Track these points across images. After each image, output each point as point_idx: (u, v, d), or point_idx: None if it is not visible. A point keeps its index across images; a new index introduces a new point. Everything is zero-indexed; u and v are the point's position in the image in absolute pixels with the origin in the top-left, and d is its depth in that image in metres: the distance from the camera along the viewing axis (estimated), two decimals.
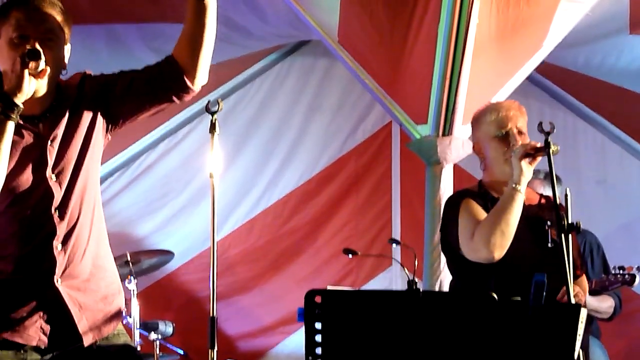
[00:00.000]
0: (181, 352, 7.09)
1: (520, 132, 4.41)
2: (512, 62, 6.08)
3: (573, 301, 3.88)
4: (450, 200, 4.62)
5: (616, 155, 7.81)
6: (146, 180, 7.82)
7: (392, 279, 8.25)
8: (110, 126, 3.50)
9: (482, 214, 4.37)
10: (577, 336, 3.17)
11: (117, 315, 3.56)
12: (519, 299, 3.23)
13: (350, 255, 7.08)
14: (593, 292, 5.35)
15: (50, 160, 3.32)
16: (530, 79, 6.97)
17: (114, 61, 6.81)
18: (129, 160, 7.76)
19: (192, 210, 7.79)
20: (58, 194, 3.32)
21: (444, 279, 5.85)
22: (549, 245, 4.07)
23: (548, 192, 5.26)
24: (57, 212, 3.33)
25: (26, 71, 3.16)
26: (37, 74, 3.20)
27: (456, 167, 6.15)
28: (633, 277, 5.41)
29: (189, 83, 3.47)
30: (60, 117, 3.37)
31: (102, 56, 6.66)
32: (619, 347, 7.01)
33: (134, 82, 3.47)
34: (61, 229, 3.33)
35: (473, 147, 4.63)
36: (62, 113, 3.38)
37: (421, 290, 4.30)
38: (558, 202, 4.00)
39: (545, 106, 7.83)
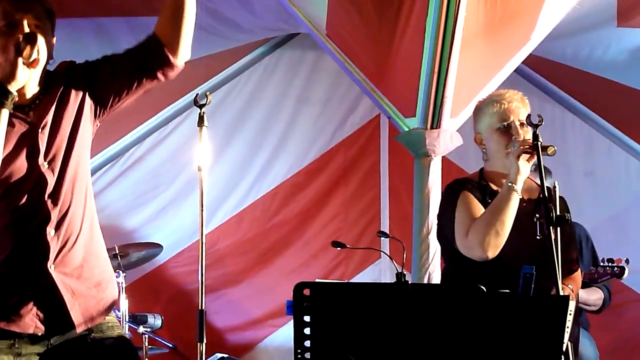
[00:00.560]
0: (170, 345, 7.09)
1: (522, 124, 4.40)
2: (500, 55, 6.08)
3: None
4: (448, 190, 4.60)
5: (604, 148, 7.83)
6: (135, 174, 7.81)
7: (380, 271, 8.26)
8: (98, 110, 3.52)
9: (479, 209, 4.35)
10: (566, 328, 3.19)
11: (110, 302, 3.58)
12: (507, 291, 3.24)
13: (339, 248, 7.09)
14: (582, 285, 5.37)
15: (42, 148, 3.34)
16: (518, 71, 6.97)
17: (103, 54, 6.80)
18: (118, 154, 7.75)
19: (181, 204, 7.79)
20: (51, 181, 3.35)
21: (433, 272, 5.85)
22: (537, 237, 4.08)
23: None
24: (50, 199, 3.34)
25: (20, 59, 3.18)
26: (30, 64, 3.22)
27: (444, 160, 6.16)
28: (622, 269, 5.43)
29: (171, 58, 3.51)
30: (49, 104, 3.39)
31: (91, 50, 6.64)
32: (607, 339, 7.03)
33: (118, 62, 3.54)
34: (54, 216, 3.35)
35: (475, 137, 4.61)
36: (51, 100, 3.40)
37: (410, 282, 4.30)
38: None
39: (533, 99, 7.75)
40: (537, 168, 4.03)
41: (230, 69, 7.90)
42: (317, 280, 6.85)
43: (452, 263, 4.55)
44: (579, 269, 4.57)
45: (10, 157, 3.30)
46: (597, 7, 6.50)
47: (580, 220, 5.91)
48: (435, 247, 5.88)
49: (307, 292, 3.21)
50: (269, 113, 8.06)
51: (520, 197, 4.27)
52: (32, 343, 3.38)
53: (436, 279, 5.81)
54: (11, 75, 3.19)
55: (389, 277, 8.09)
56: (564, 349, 3.27)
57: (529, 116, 4.15)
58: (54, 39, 3.47)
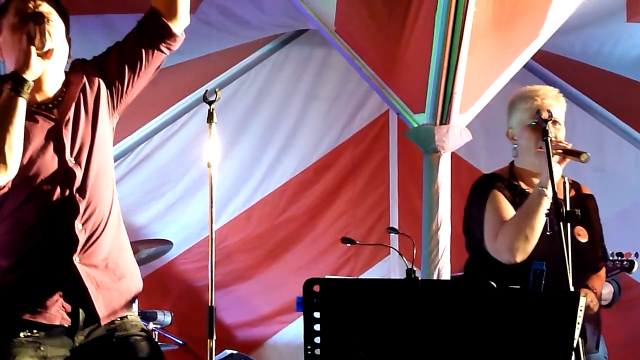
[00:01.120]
0: (180, 341, 7.10)
1: (555, 122, 4.34)
2: (509, 51, 6.07)
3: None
4: (478, 187, 4.55)
5: (614, 143, 7.81)
6: (144, 170, 7.81)
7: (390, 267, 8.26)
8: (114, 100, 3.61)
9: (508, 210, 4.31)
10: (577, 324, 3.18)
11: (134, 295, 3.63)
12: (517, 287, 3.24)
13: (348, 244, 7.09)
14: None
15: (67, 143, 3.41)
16: (527, 67, 6.96)
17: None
18: (126, 151, 7.75)
19: (190, 200, 7.79)
20: (79, 175, 3.42)
21: (442, 268, 5.84)
22: (547, 233, 4.07)
23: None
24: (77, 193, 3.41)
25: (33, 48, 3.23)
26: (44, 54, 3.27)
27: (454, 156, 6.14)
28: (631, 263, 5.42)
29: (171, 26, 3.61)
30: (70, 101, 3.46)
31: (99, 47, 6.61)
32: (617, 336, 7.01)
33: (123, 46, 3.66)
34: (82, 209, 3.41)
35: (506, 132, 4.55)
36: (72, 97, 3.47)
37: (419, 278, 4.30)
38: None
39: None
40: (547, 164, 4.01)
41: (239, 65, 7.89)
42: (326, 276, 6.85)
43: (479, 259, 4.50)
44: (603, 268, 4.55)
45: (38, 154, 3.36)
46: (606, 2, 6.49)
47: None
48: (444, 243, 5.87)
49: (317, 288, 3.21)
50: (277, 109, 8.05)
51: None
52: (57, 345, 3.39)
53: (446, 275, 5.80)
54: (25, 64, 3.25)
55: (398, 274, 8.09)
56: (575, 345, 3.26)
57: (537, 111, 4.13)
58: (70, 40, 3.53)
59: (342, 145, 8.23)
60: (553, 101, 4.40)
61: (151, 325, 6.62)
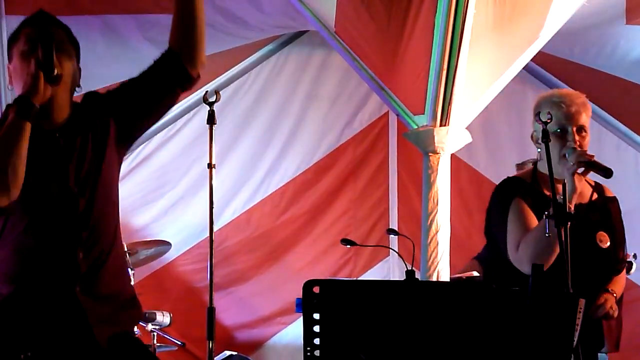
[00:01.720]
0: (179, 342, 7.10)
1: (580, 130, 4.29)
2: (509, 52, 6.08)
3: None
4: (501, 193, 4.46)
5: (613, 145, 7.81)
6: (143, 171, 7.80)
7: (389, 269, 8.26)
8: (124, 137, 3.57)
9: (531, 219, 4.24)
10: (576, 326, 3.18)
11: (136, 323, 3.61)
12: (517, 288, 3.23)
13: (348, 246, 7.09)
14: None
15: (71, 171, 3.37)
16: (526, 68, 6.97)
17: (110, 51, 6.82)
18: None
19: (190, 201, 7.79)
20: (82, 204, 3.37)
21: (442, 269, 5.85)
22: (547, 235, 4.04)
23: None
24: (80, 222, 3.36)
25: (41, 72, 3.21)
26: (52, 79, 3.25)
27: (453, 157, 6.15)
28: (630, 264, 5.41)
29: (189, 69, 3.57)
30: (78, 130, 3.43)
31: (98, 47, 6.65)
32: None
33: (137, 83, 3.57)
34: (84, 239, 3.37)
35: (531, 135, 4.49)
36: (79, 126, 3.44)
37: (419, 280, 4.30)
38: None
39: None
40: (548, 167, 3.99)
41: (239, 66, 7.90)
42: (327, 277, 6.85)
43: (499, 265, 4.42)
44: (624, 271, 4.53)
45: (41, 180, 3.33)
46: (605, 4, 6.49)
47: None
48: (444, 245, 5.88)
49: (316, 289, 3.21)
50: (277, 110, 8.06)
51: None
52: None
53: (445, 276, 5.80)
54: (33, 88, 3.23)
55: (397, 275, 8.09)
56: (573, 346, 3.26)
57: (538, 113, 4.12)
58: (79, 70, 3.51)
59: (342, 147, 8.23)
60: (580, 109, 4.32)
61: (150, 326, 6.62)
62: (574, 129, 4.25)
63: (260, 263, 8.10)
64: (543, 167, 4.33)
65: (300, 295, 3.23)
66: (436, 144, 5.93)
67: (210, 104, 4.94)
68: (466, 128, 6.07)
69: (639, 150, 7.73)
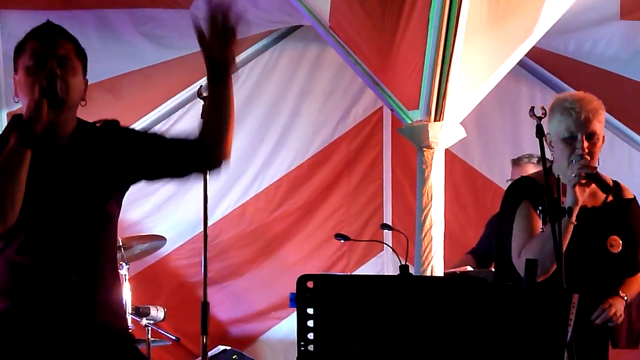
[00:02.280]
0: (173, 337, 7.10)
1: (591, 136, 4.27)
2: (503, 48, 6.08)
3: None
4: (511, 192, 4.43)
5: (607, 141, 7.77)
6: None
7: (383, 264, 8.26)
8: (121, 180, 3.55)
9: (536, 224, 4.22)
10: (569, 321, 3.19)
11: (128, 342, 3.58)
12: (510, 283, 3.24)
13: (342, 240, 7.09)
14: None
15: (70, 193, 3.32)
16: (521, 64, 6.97)
17: (104, 46, 6.81)
18: None
19: (184, 196, 7.78)
20: (77, 225, 3.32)
21: (436, 264, 5.85)
22: (541, 229, 4.04)
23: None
24: (74, 244, 3.32)
25: (44, 100, 3.18)
26: (56, 105, 3.23)
27: (447, 152, 6.15)
28: None
29: (209, 164, 3.67)
30: (81, 152, 3.39)
31: (92, 41, 6.64)
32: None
33: (153, 147, 3.57)
34: (79, 260, 3.32)
35: (545, 136, 4.45)
36: (83, 149, 3.40)
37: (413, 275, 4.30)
38: None
39: (536, 91, 7.84)
40: (541, 160, 3.98)
41: None
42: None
43: (506, 268, 4.41)
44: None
45: (39, 200, 3.28)
46: (600, 0, 6.50)
47: None
48: (438, 240, 5.89)
49: (310, 284, 3.21)
50: (271, 105, 8.05)
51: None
52: None
53: (439, 271, 5.81)
54: (36, 116, 3.19)
55: (391, 270, 8.09)
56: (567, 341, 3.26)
57: (532, 108, 4.11)
58: (86, 82, 3.47)
59: (336, 142, 8.23)
60: (590, 115, 4.30)
61: (144, 321, 6.62)
62: (583, 136, 4.23)
63: (254, 258, 8.10)
64: (554, 169, 4.32)
65: (294, 290, 3.23)
66: (430, 139, 5.94)
67: (204, 99, 4.92)
68: (460, 123, 6.08)
69: (633, 146, 7.73)
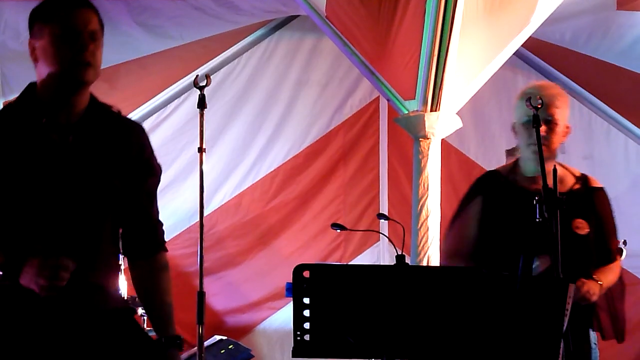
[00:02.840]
0: None
1: (549, 121, 4.29)
2: (499, 38, 6.08)
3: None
4: (471, 187, 4.53)
5: (603, 131, 7.83)
6: None
7: (379, 253, 8.27)
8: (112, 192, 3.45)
9: (469, 230, 4.33)
10: (565, 311, 3.19)
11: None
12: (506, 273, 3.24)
13: (338, 230, 7.09)
14: None
15: (74, 171, 3.26)
16: (517, 54, 6.97)
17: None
18: None
19: (180, 186, 7.78)
20: (78, 206, 3.26)
21: (432, 254, 5.86)
22: (537, 219, 4.05)
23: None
24: (74, 227, 3.27)
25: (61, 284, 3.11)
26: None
27: (444, 142, 6.16)
28: (620, 250, 5.41)
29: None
30: (91, 135, 3.32)
31: None
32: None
33: (133, 209, 3.63)
34: (78, 245, 3.27)
35: (512, 126, 4.48)
36: (93, 130, 3.34)
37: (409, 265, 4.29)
38: None
39: (532, 81, 7.84)
40: (538, 153, 3.98)
41: (229, 51, 7.88)
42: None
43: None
44: (617, 262, 4.51)
45: (41, 180, 3.22)
46: None
47: None
48: (434, 230, 5.89)
49: (306, 274, 3.21)
50: (268, 95, 8.05)
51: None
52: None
53: (435, 261, 5.81)
54: (40, 286, 3.10)
55: (387, 260, 8.11)
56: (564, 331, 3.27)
57: (529, 98, 4.11)
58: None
59: (333, 132, 8.23)
60: (548, 100, 4.31)
61: (140, 311, 6.62)
62: (541, 120, 4.25)
63: (250, 248, 8.10)
64: (522, 160, 4.37)
65: (290, 279, 3.23)
66: (427, 129, 5.94)
67: (201, 88, 4.91)
68: (456, 113, 6.08)
69: (629, 136, 7.75)
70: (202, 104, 4.93)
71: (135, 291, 3.69)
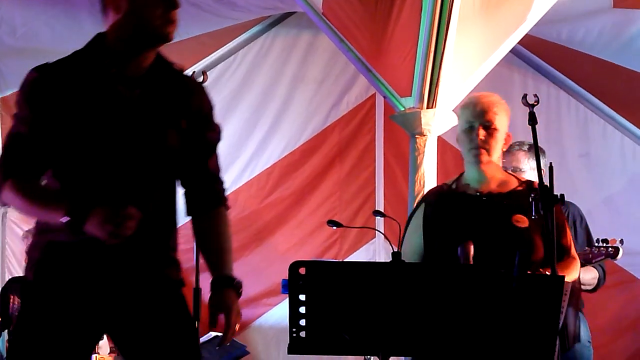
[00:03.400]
0: None
1: (487, 127, 4.35)
2: (496, 35, 6.08)
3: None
4: (423, 196, 4.64)
5: (599, 128, 7.83)
6: None
7: (375, 250, 8.27)
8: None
9: (412, 241, 4.41)
10: (561, 308, 3.19)
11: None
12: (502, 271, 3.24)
13: (334, 227, 7.09)
14: None
15: (140, 124, 3.26)
16: (513, 51, 6.97)
17: (97, 31, 6.78)
18: None
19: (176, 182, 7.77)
20: (136, 160, 3.28)
21: None
22: (533, 216, 4.05)
23: (532, 164, 5.29)
24: (139, 179, 3.30)
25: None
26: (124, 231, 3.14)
27: (440, 140, 6.16)
28: (616, 249, 5.41)
29: None
30: (156, 90, 3.33)
31: (85, 26, 6.62)
32: (600, 320, 7.03)
33: (194, 160, 3.71)
34: (142, 198, 3.31)
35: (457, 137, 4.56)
36: (159, 88, 3.34)
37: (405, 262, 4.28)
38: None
39: (528, 79, 7.85)
40: (532, 148, 4.00)
41: (226, 47, 7.89)
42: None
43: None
44: (574, 258, 4.50)
45: (106, 131, 3.21)
46: None
47: (575, 201, 5.91)
48: None
49: (302, 270, 3.22)
50: (264, 92, 8.06)
51: (479, 194, 4.27)
52: None
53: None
54: (109, 236, 3.10)
55: (383, 257, 8.11)
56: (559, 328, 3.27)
57: (524, 96, 4.12)
58: None
59: (329, 128, 8.23)
60: (485, 107, 4.40)
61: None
62: (480, 126, 4.31)
63: (246, 244, 8.10)
64: (465, 166, 4.46)
65: (286, 276, 3.24)
66: (423, 126, 5.94)
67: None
68: (453, 110, 6.08)
69: (625, 134, 7.75)
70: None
71: (197, 246, 3.90)
